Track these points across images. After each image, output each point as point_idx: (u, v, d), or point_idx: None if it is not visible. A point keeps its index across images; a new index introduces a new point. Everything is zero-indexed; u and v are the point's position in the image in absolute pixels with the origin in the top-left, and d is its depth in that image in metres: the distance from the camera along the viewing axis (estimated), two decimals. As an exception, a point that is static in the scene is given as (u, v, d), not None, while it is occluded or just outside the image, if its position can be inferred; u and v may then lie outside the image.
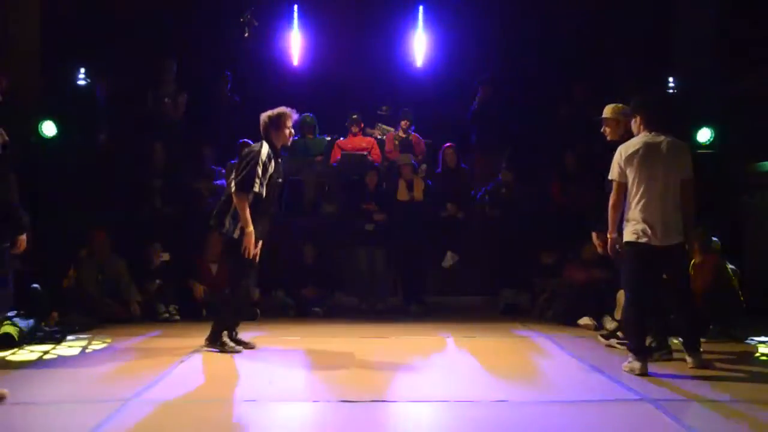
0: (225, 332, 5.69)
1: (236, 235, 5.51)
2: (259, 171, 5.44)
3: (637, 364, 4.95)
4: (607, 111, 5.90)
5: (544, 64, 9.93)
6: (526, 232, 8.26)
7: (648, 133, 5.14)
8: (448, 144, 9.12)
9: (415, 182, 8.65)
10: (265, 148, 5.54)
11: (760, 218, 8.31)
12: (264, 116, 5.66)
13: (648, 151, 5.07)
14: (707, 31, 9.19)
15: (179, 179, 8.83)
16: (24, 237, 4.48)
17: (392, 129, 9.90)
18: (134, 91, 9.36)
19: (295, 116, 5.72)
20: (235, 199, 5.47)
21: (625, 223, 5.15)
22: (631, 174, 5.08)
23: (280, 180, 5.73)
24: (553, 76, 9.86)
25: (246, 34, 9.69)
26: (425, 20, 10.41)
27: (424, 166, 9.29)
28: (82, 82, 9.09)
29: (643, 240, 5.02)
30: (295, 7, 10.44)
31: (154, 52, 9.47)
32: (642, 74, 9.47)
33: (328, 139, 9.80)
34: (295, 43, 10.43)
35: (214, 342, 5.63)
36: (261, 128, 5.69)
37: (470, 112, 9.74)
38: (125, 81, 9.25)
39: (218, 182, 8.92)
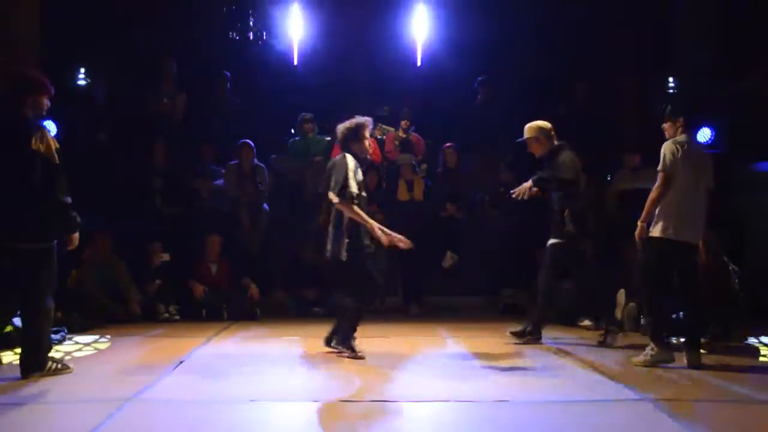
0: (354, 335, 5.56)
1: (344, 257, 5.32)
2: (350, 176, 5.29)
3: (667, 355, 5.14)
4: (527, 131, 6.18)
5: (543, 64, 9.94)
6: (526, 232, 8.25)
7: (688, 136, 5.31)
8: (448, 144, 9.12)
9: (415, 182, 8.66)
10: (350, 159, 5.39)
11: (760, 218, 8.31)
12: (341, 128, 5.52)
13: (692, 152, 5.24)
14: (707, 31, 9.20)
15: (179, 179, 8.84)
16: (76, 235, 4.81)
17: (392, 129, 9.90)
18: (134, 91, 9.35)
19: (371, 126, 5.62)
20: (343, 209, 5.30)
21: (660, 216, 5.21)
22: (676, 170, 5.17)
23: (363, 193, 5.54)
24: (553, 75, 9.86)
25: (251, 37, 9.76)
26: (425, 19, 10.41)
27: (424, 166, 9.30)
28: (82, 82, 9.08)
29: (682, 238, 5.16)
30: (295, 6, 10.44)
31: (154, 53, 9.47)
32: (642, 73, 9.48)
33: (328, 139, 9.79)
34: (294, 43, 10.44)
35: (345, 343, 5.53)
36: (340, 140, 5.58)
37: (474, 107, 9.76)
38: (125, 81, 9.25)
39: (218, 182, 8.94)
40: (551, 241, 6.14)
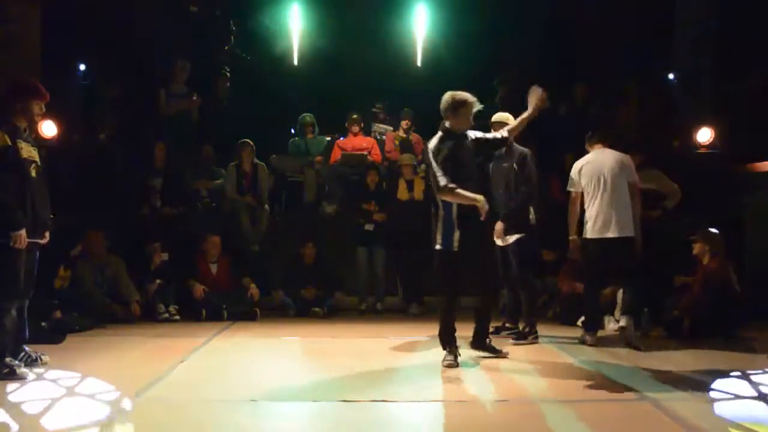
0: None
1: (455, 248, 5.16)
2: (435, 165, 5.15)
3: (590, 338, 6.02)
4: (507, 119, 6.25)
5: (543, 63, 9.92)
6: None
7: (594, 152, 6.21)
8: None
9: (415, 182, 8.65)
10: (432, 144, 5.27)
11: (760, 218, 8.30)
12: (447, 96, 5.36)
13: (595, 165, 6.11)
14: (708, 29, 9.19)
15: (179, 179, 8.83)
16: (20, 233, 4.67)
17: (390, 128, 9.90)
18: (134, 91, 9.34)
19: (477, 108, 5.32)
20: (448, 198, 5.15)
21: (585, 222, 6.05)
22: (580, 186, 6.12)
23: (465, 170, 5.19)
24: (553, 75, 9.84)
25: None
26: (425, 19, 10.41)
27: (424, 166, 9.28)
28: (82, 82, 9.07)
29: (600, 234, 5.95)
30: (295, 6, 10.45)
31: (154, 53, 9.46)
32: (642, 73, 9.47)
33: (328, 139, 9.81)
34: (294, 43, 10.44)
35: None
36: (442, 109, 5.37)
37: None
38: (125, 81, 9.24)
39: (218, 182, 8.94)
40: (514, 237, 6.12)
